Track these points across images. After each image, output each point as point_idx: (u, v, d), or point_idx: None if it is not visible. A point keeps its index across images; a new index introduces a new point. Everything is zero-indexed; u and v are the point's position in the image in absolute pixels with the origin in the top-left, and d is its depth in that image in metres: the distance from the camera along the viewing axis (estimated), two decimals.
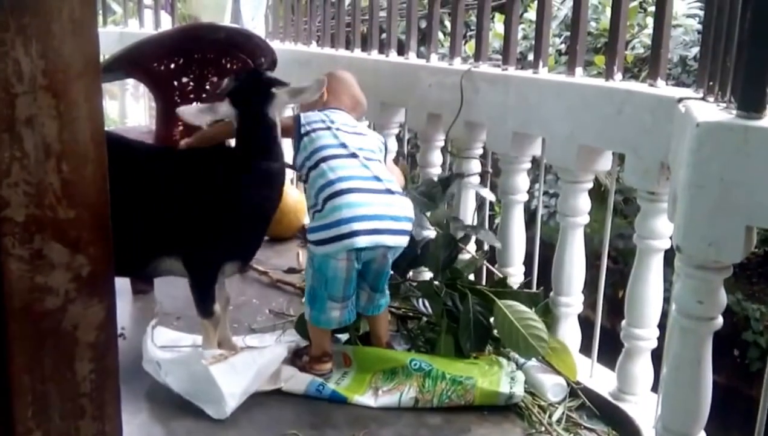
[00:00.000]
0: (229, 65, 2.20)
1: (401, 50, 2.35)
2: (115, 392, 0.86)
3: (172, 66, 2.07)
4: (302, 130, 1.65)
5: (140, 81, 2.39)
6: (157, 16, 3.63)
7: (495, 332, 1.73)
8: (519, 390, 1.56)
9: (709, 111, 1.11)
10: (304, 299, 1.70)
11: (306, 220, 2.67)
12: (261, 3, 3.25)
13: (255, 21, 3.21)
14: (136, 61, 2.02)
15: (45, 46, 0.67)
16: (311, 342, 1.71)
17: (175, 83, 2.10)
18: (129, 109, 3.88)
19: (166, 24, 3.62)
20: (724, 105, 1.13)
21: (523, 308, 1.64)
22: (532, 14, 3.90)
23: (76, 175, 0.71)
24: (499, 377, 1.58)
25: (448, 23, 3.19)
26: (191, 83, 2.13)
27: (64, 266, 0.74)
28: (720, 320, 1.14)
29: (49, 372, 0.78)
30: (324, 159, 1.61)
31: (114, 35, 3.60)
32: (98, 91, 0.71)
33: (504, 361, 1.67)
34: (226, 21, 3.19)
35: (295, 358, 1.72)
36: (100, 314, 0.81)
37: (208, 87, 2.18)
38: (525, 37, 4.11)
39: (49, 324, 0.77)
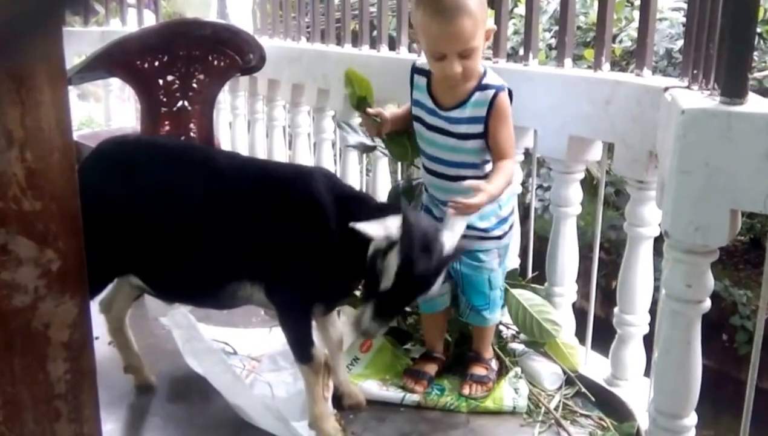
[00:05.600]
0: (216, 62, 2.16)
1: (392, 46, 2.32)
2: (93, 392, 0.84)
3: (156, 63, 2.02)
4: None
5: (123, 80, 2.32)
6: (140, 14, 3.58)
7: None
8: (522, 403, 1.55)
9: (694, 98, 1.12)
10: (487, 304, 1.56)
11: None
12: None
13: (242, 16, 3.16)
14: (118, 59, 1.97)
15: None
16: (488, 346, 1.65)
17: (160, 81, 2.06)
18: (114, 111, 3.83)
19: (150, 22, 3.57)
20: (708, 92, 1.13)
21: (533, 295, 1.66)
22: (522, 10, 3.89)
23: (41, 164, 0.68)
24: (502, 393, 1.56)
25: None
26: (177, 81, 2.09)
27: (32, 261, 0.71)
28: (708, 303, 1.15)
29: (20, 374, 0.75)
30: None
31: (95, 34, 3.52)
32: (62, 75, 0.68)
33: (511, 371, 1.63)
34: (212, 16, 3.15)
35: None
36: (73, 311, 0.78)
37: (194, 85, 2.14)
38: (516, 32, 4.10)
39: (18, 323, 0.74)
